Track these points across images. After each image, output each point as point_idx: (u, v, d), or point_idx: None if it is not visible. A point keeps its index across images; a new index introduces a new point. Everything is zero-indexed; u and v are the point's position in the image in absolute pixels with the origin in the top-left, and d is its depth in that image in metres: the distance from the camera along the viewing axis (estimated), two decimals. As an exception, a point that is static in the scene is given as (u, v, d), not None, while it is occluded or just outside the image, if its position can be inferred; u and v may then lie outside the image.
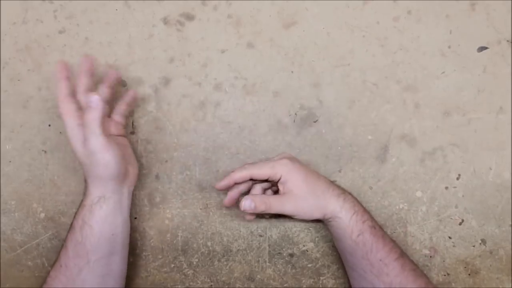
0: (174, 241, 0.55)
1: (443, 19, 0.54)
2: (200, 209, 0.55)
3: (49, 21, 0.56)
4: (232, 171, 0.48)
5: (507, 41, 0.54)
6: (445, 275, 0.53)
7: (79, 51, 0.55)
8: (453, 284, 0.53)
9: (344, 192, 0.48)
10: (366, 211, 0.48)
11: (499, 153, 0.53)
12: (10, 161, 0.55)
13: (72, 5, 0.56)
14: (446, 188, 0.54)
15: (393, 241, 0.47)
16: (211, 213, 0.55)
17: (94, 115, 0.44)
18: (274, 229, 0.54)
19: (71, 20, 0.56)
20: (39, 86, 0.55)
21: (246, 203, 0.45)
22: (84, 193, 0.48)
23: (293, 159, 0.48)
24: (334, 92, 0.54)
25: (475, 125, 0.54)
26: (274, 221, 0.54)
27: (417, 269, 0.46)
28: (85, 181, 0.48)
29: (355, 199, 0.48)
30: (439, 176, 0.54)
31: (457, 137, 0.54)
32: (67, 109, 0.46)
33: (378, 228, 0.47)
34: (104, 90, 0.48)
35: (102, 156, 0.45)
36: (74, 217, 0.47)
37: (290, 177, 0.46)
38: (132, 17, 0.55)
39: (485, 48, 0.54)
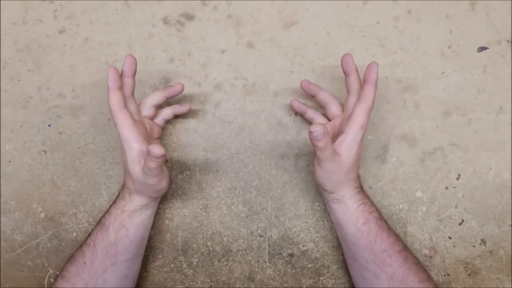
0: (174, 241, 0.55)
1: (443, 19, 0.54)
2: (200, 209, 0.55)
3: (49, 21, 0.56)
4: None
5: (507, 41, 0.54)
6: (445, 275, 0.53)
7: (79, 51, 0.55)
8: (453, 284, 0.53)
9: (361, 187, 0.49)
10: (375, 205, 0.48)
11: (499, 153, 0.53)
12: (10, 161, 0.55)
13: (72, 5, 0.56)
14: (446, 188, 0.54)
15: (397, 235, 0.47)
16: (211, 213, 0.55)
17: (149, 165, 0.42)
18: (274, 229, 0.54)
19: (71, 20, 0.56)
20: (39, 86, 0.55)
21: (319, 130, 0.40)
22: (122, 197, 0.47)
23: (364, 138, 0.46)
24: (334, 92, 0.54)
25: (475, 125, 0.54)
26: (274, 221, 0.54)
27: (419, 263, 0.46)
28: (127, 188, 0.47)
29: (369, 197, 0.49)
30: (439, 176, 0.54)
31: (457, 137, 0.54)
32: (126, 123, 0.44)
33: (384, 221, 0.47)
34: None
35: (160, 183, 0.46)
36: (105, 216, 0.47)
37: (349, 149, 0.44)
38: (132, 17, 0.55)
39: (485, 48, 0.54)
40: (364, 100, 0.44)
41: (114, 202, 0.48)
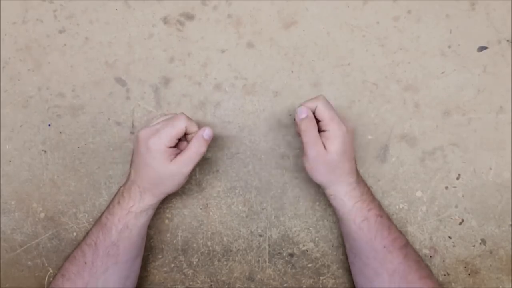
0: (174, 241, 0.55)
1: (443, 19, 0.54)
2: (200, 209, 0.55)
3: (49, 21, 0.56)
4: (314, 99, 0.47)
5: (507, 41, 0.54)
6: (445, 275, 0.53)
7: (79, 51, 0.55)
8: (453, 284, 0.53)
9: (359, 183, 0.47)
10: (375, 202, 0.48)
11: (499, 153, 0.53)
12: (10, 161, 0.55)
13: (72, 5, 0.56)
14: (446, 188, 0.54)
15: (399, 232, 0.47)
16: (211, 213, 0.55)
17: (201, 149, 0.46)
18: (274, 229, 0.54)
19: (71, 20, 0.56)
20: (39, 86, 0.55)
21: (303, 110, 0.46)
22: (130, 197, 0.47)
23: (351, 132, 0.47)
24: (334, 92, 0.54)
25: (475, 125, 0.54)
26: (274, 221, 0.54)
27: (421, 260, 0.46)
28: (138, 186, 0.47)
29: (369, 192, 0.48)
30: (439, 176, 0.54)
31: (457, 137, 0.54)
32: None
33: (386, 218, 0.47)
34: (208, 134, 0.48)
35: (184, 177, 0.47)
36: (107, 217, 0.47)
37: (333, 141, 0.45)
38: (132, 17, 0.55)
39: (485, 48, 0.54)
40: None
41: (118, 202, 0.47)
